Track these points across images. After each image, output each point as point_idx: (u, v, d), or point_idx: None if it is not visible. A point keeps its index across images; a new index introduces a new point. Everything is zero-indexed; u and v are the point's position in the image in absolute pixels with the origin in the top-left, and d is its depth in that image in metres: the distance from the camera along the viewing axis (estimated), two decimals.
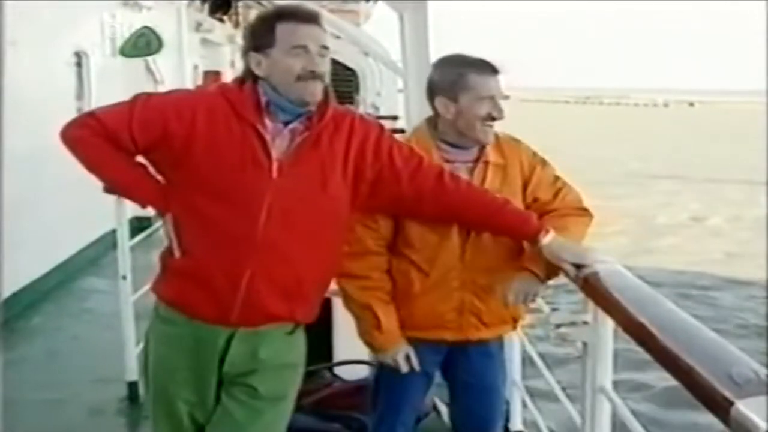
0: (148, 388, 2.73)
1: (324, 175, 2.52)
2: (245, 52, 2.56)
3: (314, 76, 2.47)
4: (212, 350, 2.56)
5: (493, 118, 2.81)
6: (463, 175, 2.83)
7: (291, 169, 2.48)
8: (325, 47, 2.51)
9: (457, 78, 2.82)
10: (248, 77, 2.55)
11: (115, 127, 2.45)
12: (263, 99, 2.51)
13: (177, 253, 2.53)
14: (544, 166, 2.93)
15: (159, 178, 2.57)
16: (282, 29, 2.49)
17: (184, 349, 2.58)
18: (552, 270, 2.80)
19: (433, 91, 2.88)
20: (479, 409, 3.11)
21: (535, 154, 2.95)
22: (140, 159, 2.57)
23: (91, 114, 2.52)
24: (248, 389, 2.58)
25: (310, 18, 2.51)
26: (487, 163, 2.87)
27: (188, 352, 2.57)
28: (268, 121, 2.50)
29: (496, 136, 2.91)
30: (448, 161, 2.85)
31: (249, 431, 2.58)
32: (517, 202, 2.83)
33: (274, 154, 2.47)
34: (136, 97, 2.52)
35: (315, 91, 2.49)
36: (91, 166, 2.53)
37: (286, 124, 2.52)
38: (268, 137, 2.47)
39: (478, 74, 2.81)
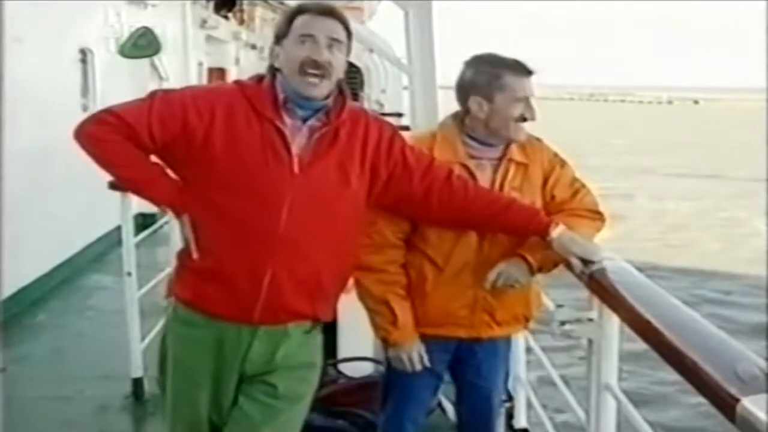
0: (165, 390, 2.67)
1: (343, 170, 2.52)
2: (270, 48, 2.56)
3: (316, 65, 2.44)
4: (235, 350, 2.53)
5: (525, 119, 2.83)
6: (488, 172, 2.86)
7: (311, 164, 2.47)
8: (336, 39, 2.48)
9: (492, 78, 2.83)
10: (270, 73, 2.54)
11: (134, 123, 2.39)
12: (281, 95, 2.50)
13: (195, 254, 2.49)
14: (563, 167, 2.94)
15: (175, 177, 2.52)
16: (297, 21, 2.49)
17: (205, 350, 2.54)
18: (548, 264, 2.81)
19: (466, 89, 2.88)
20: (485, 408, 3.14)
21: (556, 154, 2.96)
22: (154, 159, 2.52)
23: (109, 111, 2.44)
24: (267, 388, 2.56)
25: (325, 11, 2.51)
26: (511, 161, 2.88)
27: (210, 353, 2.54)
28: (286, 118, 2.48)
29: None
30: (473, 157, 2.86)
31: (265, 431, 2.55)
32: (537, 201, 2.85)
33: (294, 149, 2.46)
34: (154, 94, 2.48)
35: (316, 87, 2.46)
36: (108, 163, 2.46)
37: (304, 120, 2.50)
38: (287, 133, 2.46)
39: (514, 75, 2.82)
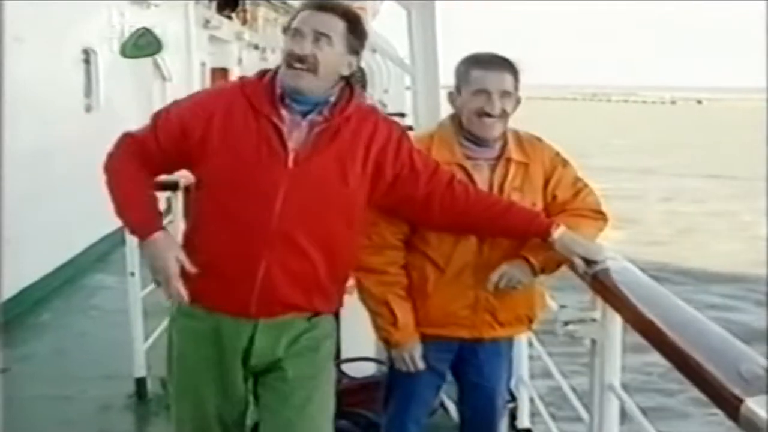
0: (172, 385, 2.71)
1: (342, 167, 2.51)
2: None
3: (298, 59, 2.44)
4: (235, 341, 2.56)
5: (487, 114, 2.80)
6: (485, 172, 2.84)
7: (308, 159, 2.47)
8: (323, 33, 2.45)
9: (463, 73, 2.84)
10: (275, 69, 2.55)
11: (144, 139, 2.53)
12: (278, 90, 2.50)
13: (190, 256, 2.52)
14: (565, 166, 2.92)
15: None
16: (296, 17, 2.51)
17: (204, 341, 2.57)
18: (551, 265, 2.80)
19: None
20: (487, 408, 3.13)
21: (557, 154, 2.95)
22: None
23: (126, 133, 2.59)
24: (278, 373, 2.58)
25: (322, 6, 2.50)
26: (509, 160, 2.86)
27: (209, 344, 2.57)
28: (285, 113, 2.49)
29: (518, 135, 2.91)
30: (470, 158, 2.85)
31: (284, 413, 2.56)
32: (538, 201, 2.85)
33: (291, 144, 2.47)
34: (159, 113, 2.58)
35: (301, 77, 2.45)
36: (108, 178, 2.59)
37: (305, 115, 2.50)
38: (284, 128, 2.47)
39: (479, 69, 2.81)
